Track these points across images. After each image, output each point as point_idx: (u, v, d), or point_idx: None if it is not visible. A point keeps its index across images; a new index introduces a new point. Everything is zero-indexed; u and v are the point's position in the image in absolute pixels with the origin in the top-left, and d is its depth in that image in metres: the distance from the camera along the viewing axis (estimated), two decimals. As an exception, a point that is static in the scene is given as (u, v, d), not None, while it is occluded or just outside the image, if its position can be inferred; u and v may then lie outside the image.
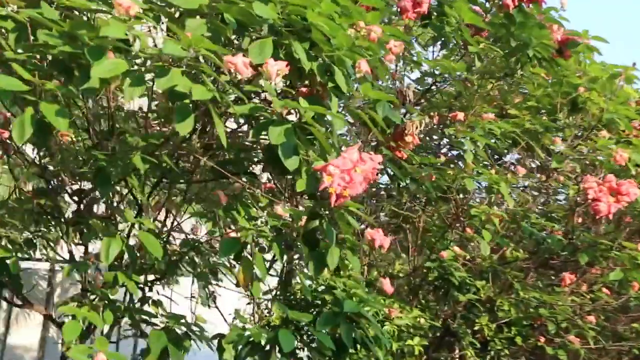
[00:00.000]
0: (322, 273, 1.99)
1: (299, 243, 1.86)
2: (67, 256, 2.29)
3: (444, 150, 3.84)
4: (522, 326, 3.33)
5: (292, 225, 1.96)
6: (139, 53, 1.57)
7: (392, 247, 3.36)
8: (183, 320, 2.11)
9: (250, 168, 2.37)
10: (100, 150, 1.96)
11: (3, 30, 1.59)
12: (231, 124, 2.41)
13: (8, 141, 2.11)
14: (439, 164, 2.94)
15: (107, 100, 2.15)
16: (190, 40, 1.48)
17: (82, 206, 2.23)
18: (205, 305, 2.89)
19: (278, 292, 2.77)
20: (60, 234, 2.37)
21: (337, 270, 2.28)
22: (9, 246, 2.19)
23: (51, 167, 2.30)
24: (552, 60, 3.04)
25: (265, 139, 1.76)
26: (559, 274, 3.41)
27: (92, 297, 2.05)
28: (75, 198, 2.27)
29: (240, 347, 2.11)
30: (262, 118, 1.81)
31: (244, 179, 2.25)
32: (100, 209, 2.53)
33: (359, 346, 2.17)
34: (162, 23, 1.87)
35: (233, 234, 2.03)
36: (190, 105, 1.55)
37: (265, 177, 2.69)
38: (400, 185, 3.00)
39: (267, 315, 2.84)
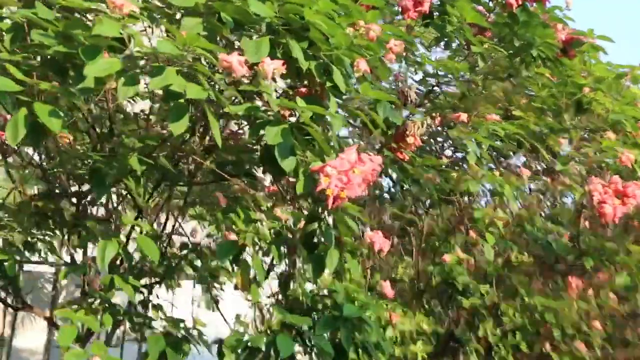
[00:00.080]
0: (321, 276, 1.96)
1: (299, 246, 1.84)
2: (69, 259, 2.27)
3: (448, 152, 3.80)
4: (528, 332, 3.27)
5: (292, 228, 1.94)
6: (135, 53, 1.55)
7: (395, 250, 3.33)
8: (182, 324, 2.09)
9: (253, 170, 2.35)
10: (99, 152, 1.95)
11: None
12: (233, 126, 2.39)
13: (7, 143, 2.10)
14: (441, 165, 2.91)
15: (106, 102, 2.13)
16: (185, 39, 1.47)
17: (79, 208, 2.22)
18: (209, 309, 2.87)
19: (280, 296, 2.73)
20: (62, 237, 2.36)
21: (339, 274, 2.26)
22: (7, 249, 2.18)
23: (51, 169, 2.28)
24: (556, 60, 3.00)
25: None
26: (565, 278, 3.36)
27: (92, 300, 2.03)
28: (74, 200, 2.26)
29: (239, 351, 2.09)
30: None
31: (244, 181, 2.23)
32: (100, 211, 2.51)
33: (360, 351, 2.14)
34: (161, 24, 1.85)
35: (232, 237, 2.00)
36: (189, 106, 1.53)
37: (269, 179, 2.67)
38: (404, 188, 2.96)
39: (270, 319, 2.81)
